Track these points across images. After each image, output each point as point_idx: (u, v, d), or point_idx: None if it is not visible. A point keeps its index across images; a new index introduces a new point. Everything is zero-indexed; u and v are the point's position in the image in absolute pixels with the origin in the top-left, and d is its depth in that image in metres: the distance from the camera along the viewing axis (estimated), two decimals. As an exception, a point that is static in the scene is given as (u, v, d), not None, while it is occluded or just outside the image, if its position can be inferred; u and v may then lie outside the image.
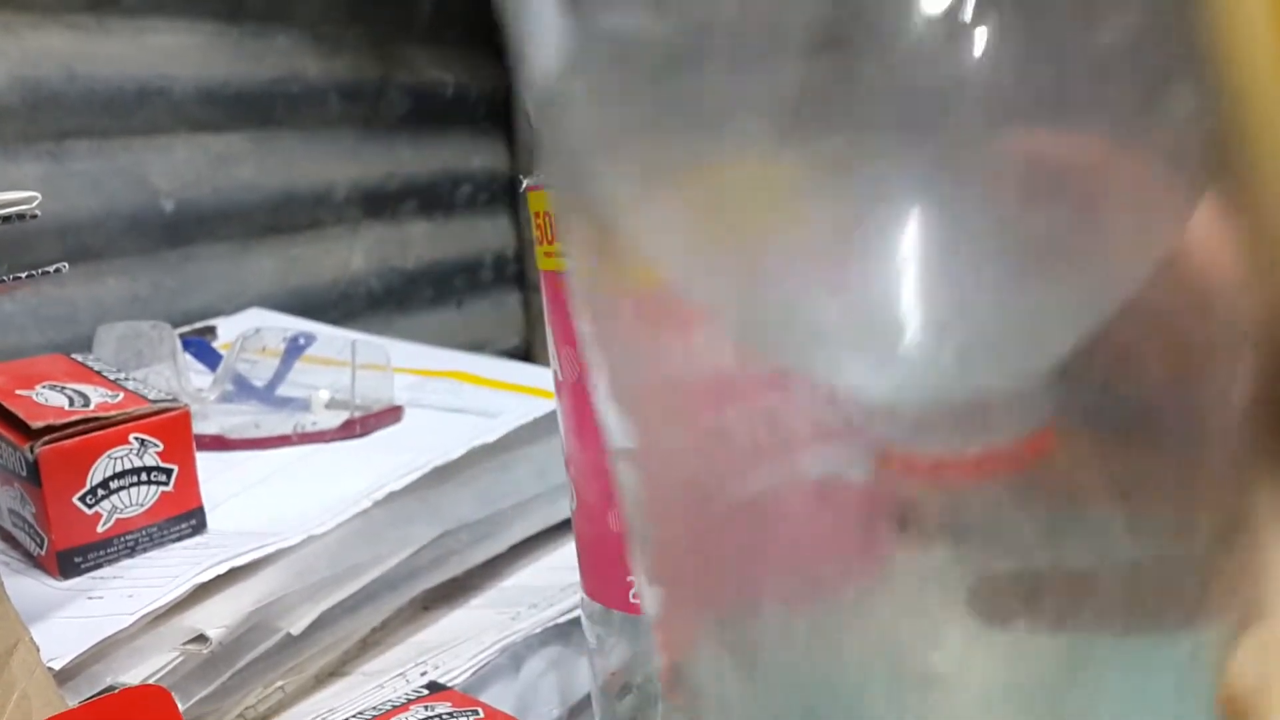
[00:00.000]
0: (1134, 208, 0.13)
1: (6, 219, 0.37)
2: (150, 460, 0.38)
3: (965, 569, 0.14)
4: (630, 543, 0.16)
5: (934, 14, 0.12)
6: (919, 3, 0.12)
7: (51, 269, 0.40)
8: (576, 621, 0.37)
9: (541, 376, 0.50)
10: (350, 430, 0.46)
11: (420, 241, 0.94)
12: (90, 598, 0.35)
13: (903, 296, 0.12)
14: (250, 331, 0.50)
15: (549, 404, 0.44)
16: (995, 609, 0.14)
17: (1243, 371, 0.13)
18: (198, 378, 0.51)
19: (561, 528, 0.45)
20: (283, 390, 0.49)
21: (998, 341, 0.13)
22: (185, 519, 0.39)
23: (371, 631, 0.39)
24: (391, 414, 0.48)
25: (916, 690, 0.14)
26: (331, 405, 0.48)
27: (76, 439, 0.37)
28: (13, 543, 0.40)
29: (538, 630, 0.38)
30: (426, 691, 0.32)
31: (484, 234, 1.00)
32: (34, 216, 0.37)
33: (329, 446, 0.46)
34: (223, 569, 0.34)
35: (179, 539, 0.39)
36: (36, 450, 0.36)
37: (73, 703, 0.30)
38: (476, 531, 0.42)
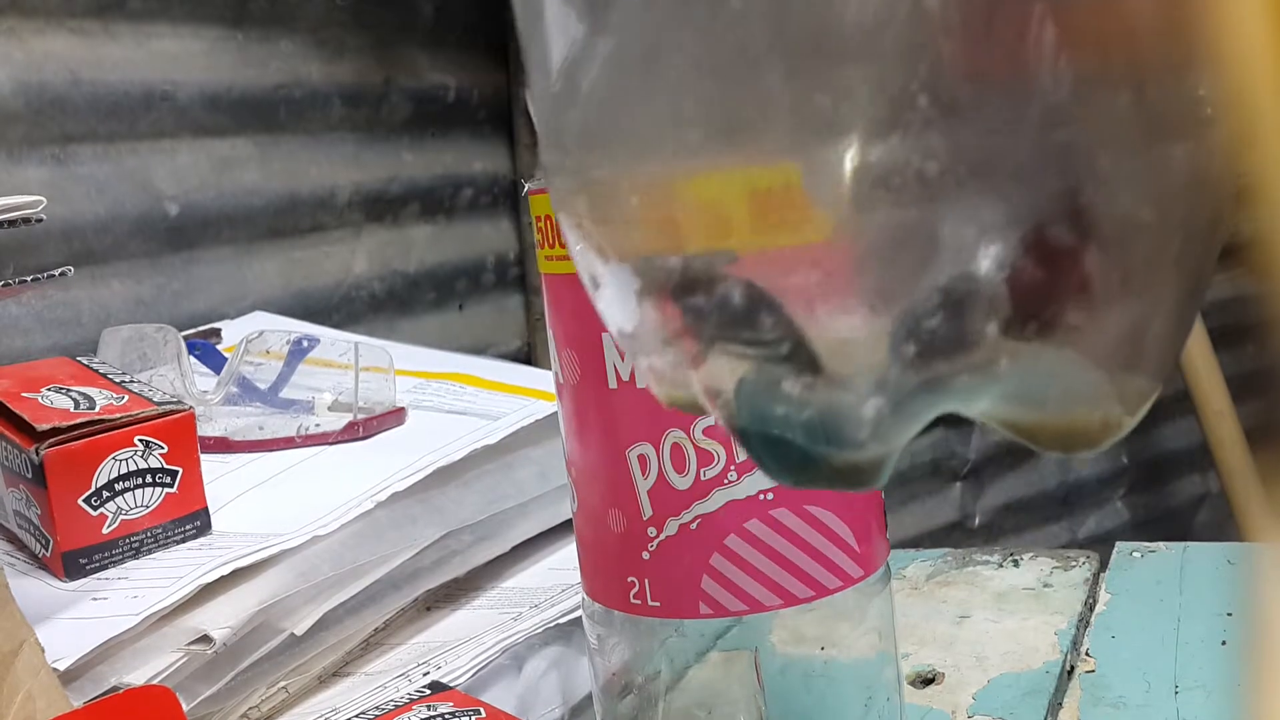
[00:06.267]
0: None
1: (12, 223, 0.37)
2: (155, 462, 0.38)
3: None
4: None
5: None
6: None
7: (57, 272, 0.40)
8: (578, 622, 0.37)
9: (543, 379, 0.50)
10: (353, 432, 0.47)
11: (422, 245, 0.95)
12: (95, 599, 0.35)
13: None
14: (254, 334, 0.50)
15: (550, 406, 0.45)
16: None
17: None
18: (202, 380, 0.52)
19: (563, 529, 0.45)
20: (286, 393, 0.49)
21: None
22: (190, 520, 0.39)
23: (374, 632, 0.39)
24: (394, 416, 0.48)
25: None
26: (335, 407, 0.48)
27: (82, 441, 0.37)
28: (18, 544, 0.40)
29: (539, 630, 0.38)
30: (429, 691, 0.32)
31: (486, 237, 1.00)
32: (39, 220, 0.38)
33: (332, 448, 0.46)
34: (227, 570, 0.35)
35: (183, 540, 0.39)
36: (42, 452, 0.36)
37: (77, 703, 0.30)
38: (478, 532, 0.42)
